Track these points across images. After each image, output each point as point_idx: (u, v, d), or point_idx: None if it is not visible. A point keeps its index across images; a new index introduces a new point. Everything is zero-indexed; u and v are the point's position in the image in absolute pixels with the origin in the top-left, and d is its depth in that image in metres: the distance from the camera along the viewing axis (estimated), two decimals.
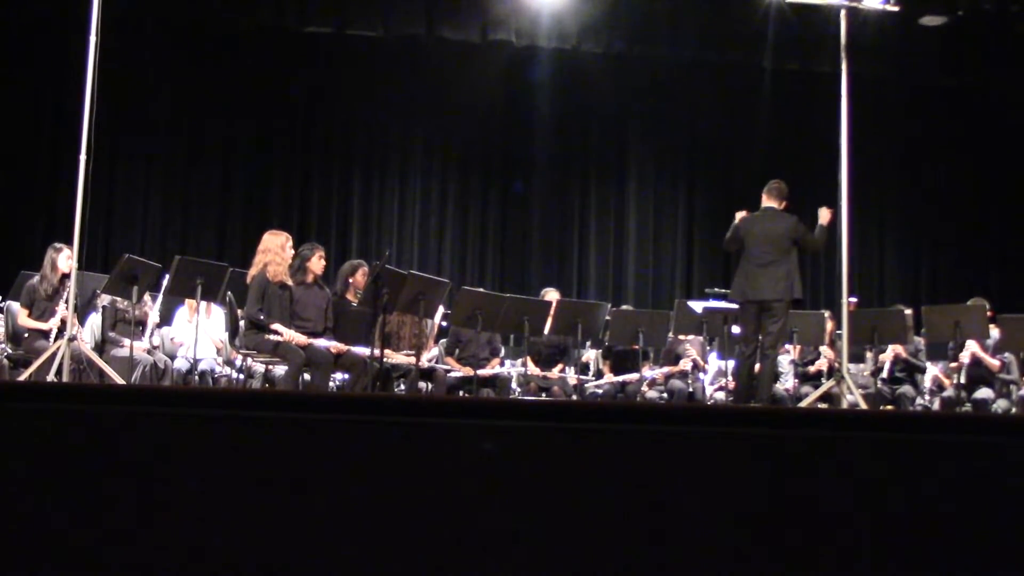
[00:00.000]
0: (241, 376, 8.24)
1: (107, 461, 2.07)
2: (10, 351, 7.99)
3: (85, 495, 2.06)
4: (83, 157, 7.07)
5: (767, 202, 7.77)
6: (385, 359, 7.56)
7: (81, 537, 2.04)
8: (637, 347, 8.70)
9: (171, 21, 11.57)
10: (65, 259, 7.77)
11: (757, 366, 7.61)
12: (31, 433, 2.07)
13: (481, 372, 8.43)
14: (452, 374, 8.45)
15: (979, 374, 8.75)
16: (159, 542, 2.06)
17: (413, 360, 7.85)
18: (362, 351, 7.57)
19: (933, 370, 9.34)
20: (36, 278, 7.97)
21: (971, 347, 8.66)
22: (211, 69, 11.98)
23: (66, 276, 7.69)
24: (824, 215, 7.80)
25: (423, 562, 2.10)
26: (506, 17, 11.50)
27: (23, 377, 7.20)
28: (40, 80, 11.34)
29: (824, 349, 8.98)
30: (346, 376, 7.78)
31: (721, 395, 8.98)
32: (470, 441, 2.14)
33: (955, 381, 8.84)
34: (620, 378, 9.01)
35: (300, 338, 7.36)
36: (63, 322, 7.44)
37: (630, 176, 12.99)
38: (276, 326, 7.34)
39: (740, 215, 7.83)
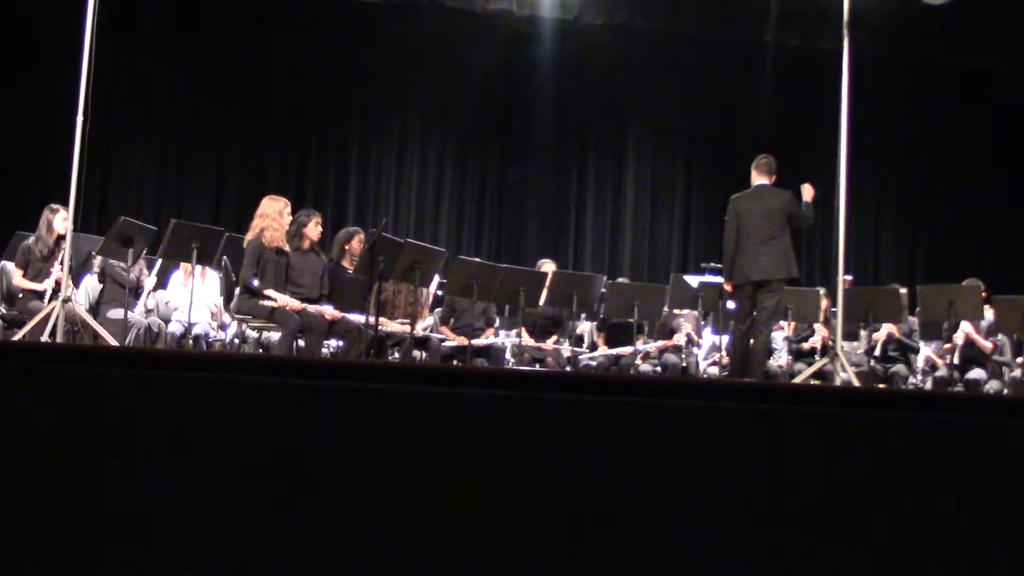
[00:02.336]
0: (236, 341, 8.24)
1: (100, 422, 2.08)
2: (4, 311, 7.99)
3: (76, 455, 2.06)
4: (80, 119, 7.04)
5: (758, 178, 7.73)
6: (380, 327, 7.56)
7: (69, 496, 2.05)
8: (632, 320, 8.71)
9: None
10: (61, 220, 7.74)
11: (751, 341, 7.63)
12: (24, 393, 2.07)
13: (475, 342, 8.44)
14: (446, 343, 8.46)
15: (972, 355, 8.77)
16: (147, 505, 2.07)
17: (408, 328, 7.85)
18: (357, 318, 7.58)
19: (926, 350, 9.36)
20: (31, 239, 7.95)
21: (965, 328, 8.68)
22: (209, 32, 11.91)
23: (62, 237, 7.67)
24: (808, 191, 7.74)
25: (413, 528, 2.11)
26: None
27: (17, 337, 7.19)
28: (37, 41, 11.26)
29: (818, 326, 9.00)
30: (340, 343, 7.79)
31: (715, 370, 9.00)
32: (463, 409, 2.15)
33: (948, 361, 8.86)
34: (614, 351, 9.02)
35: (294, 303, 7.36)
36: (58, 283, 7.43)
37: (629, 148, 12.97)
38: (269, 292, 7.34)
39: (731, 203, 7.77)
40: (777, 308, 7.68)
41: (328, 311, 7.48)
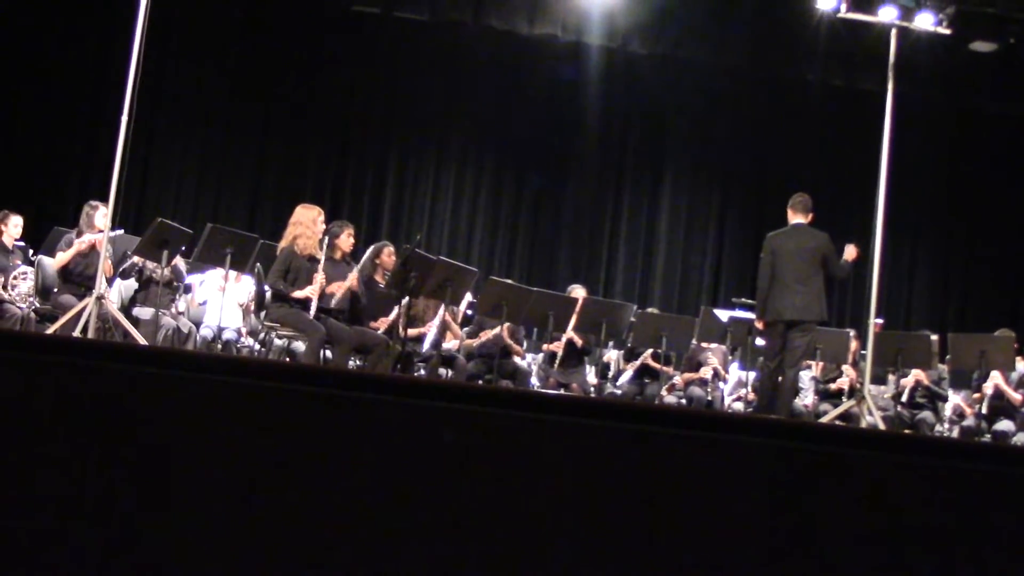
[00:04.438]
0: (262, 348, 8.28)
1: (124, 419, 2.09)
2: (39, 305, 8.07)
3: (100, 450, 2.08)
4: (124, 119, 7.12)
5: (794, 217, 7.63)
6: (407, 337, 7.59)
7: (90, 487, 2.07)
8: (659, 351, 8.69)
9: None
10: (101, 217, 7.82)
11: (779, 380, 7.60)
12: (54, 386, 2.09)
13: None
14: (472, 363, 8.47)
15: (1001, 406, 8.67)
16: (165, 505, 2.08)
17: (432, 328, 7.90)
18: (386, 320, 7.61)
19: (955, 398, 9.27)
20: (73, 232, 8.04)
21: (995, 378, 8.58)
22: (255, 41, 12.04)
23: (101, 233, 7.78)
24: (851, 252, 7.63)
25: (424, 547, 2.11)
26: (554, 11, 11.48)
27: (49, 331, 7.27)
28: (86, 42, 11.42)
29: (847, 368, 8.92)
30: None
31: (739, 405, 8.95)
32: (484, 428, 2.15)
33: (976, 411, 8.77)
34: (635, 365, 8.97)
35: (317, 286, 7.30)
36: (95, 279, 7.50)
37: (665, 179, 12.96)
38: (297, 293, 7.30)
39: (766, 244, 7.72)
40: (807, 349, 7.62)
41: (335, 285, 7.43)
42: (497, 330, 8.41)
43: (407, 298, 7.42)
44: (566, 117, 12.64)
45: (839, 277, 7.87)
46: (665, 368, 8.99)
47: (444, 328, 8.30)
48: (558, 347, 8.60)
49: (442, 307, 8.12)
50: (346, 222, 8.22)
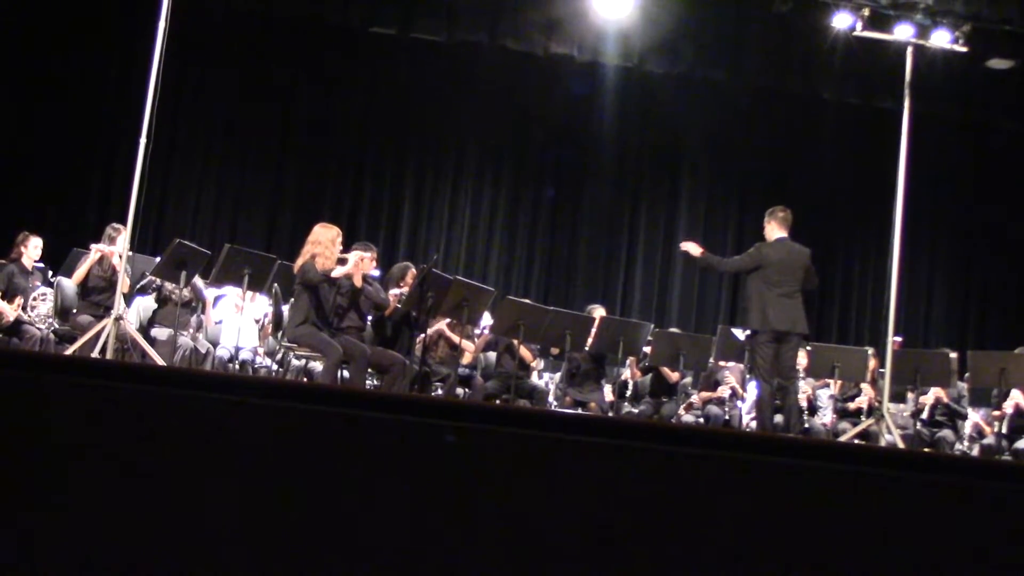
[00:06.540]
0: (280, 368, 8.30)
1: (140, 438, 2.10)
2: (57, 326, 8.12)
3: (119, 469, 2.08)
4: (143, 141, 7.16)
5: (780, 231, 7.60)
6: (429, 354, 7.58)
7: (101, 507, 2.07)
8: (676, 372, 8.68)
9: (237, 13, 11.70)
10: (122, 241, 7.87)
11: (785, 400, 7.60)
12: (71, 406, 2.10)
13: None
14: (489, 383, 8.47)
15: (1022, 424, 8.60)
16: (181, 524, 2.08)
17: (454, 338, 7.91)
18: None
19: (975, 416, 9.20)
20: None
21: (1015, 396, 8.52)
22: (273, 62, 12.10)
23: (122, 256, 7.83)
24: None
25: (441, 568, 2.10)
26: (570, 31, 11.49)
27: (68, 352, 7.31)
28: (105, 65, 11.51)
29: (865, 386, 8.87)
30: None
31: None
32: (502, 448, 2.15)
33: (996, 429, 8.71)
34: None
35: (353, 263, 7.29)
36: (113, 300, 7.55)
37: (682, 197, 12.96)
38: (337, 271, 7.25)
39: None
40: (795, 362, 7.64)
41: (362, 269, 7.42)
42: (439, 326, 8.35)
43: (425, 318, 7.43)
44: (583, 137, 12.66)
45: (814, 285, 7.82)
46: (672, 374, 8.95)
47: (450, 344, 8.30)
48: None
49: (442, 323, 8.14)
50: (368, 244, 8.21)
